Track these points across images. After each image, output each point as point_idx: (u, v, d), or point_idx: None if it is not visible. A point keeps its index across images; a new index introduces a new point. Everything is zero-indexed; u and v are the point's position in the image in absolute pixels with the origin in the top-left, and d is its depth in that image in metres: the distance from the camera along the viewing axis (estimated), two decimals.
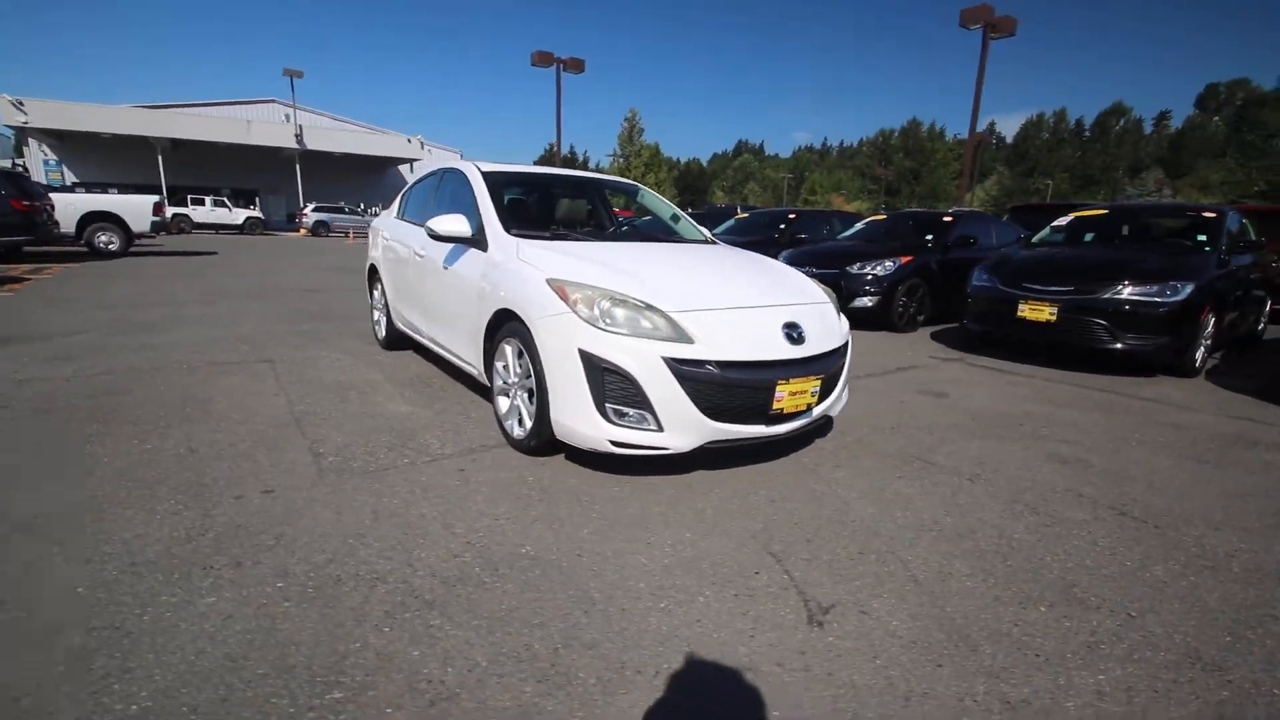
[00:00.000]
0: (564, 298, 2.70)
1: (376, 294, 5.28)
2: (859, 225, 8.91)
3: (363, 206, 33.56)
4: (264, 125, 33.66)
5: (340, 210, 31.55)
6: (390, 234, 4.80)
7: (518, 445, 3.04)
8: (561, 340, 2.65)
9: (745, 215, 11.60)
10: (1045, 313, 5.44)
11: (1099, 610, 1.97)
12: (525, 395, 2.99)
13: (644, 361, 2.52)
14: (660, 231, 4.22)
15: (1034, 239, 6.94)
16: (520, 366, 3.00)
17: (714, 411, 2.59)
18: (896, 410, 4.06)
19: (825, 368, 2.86)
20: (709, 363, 2.56)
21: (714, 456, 2.91)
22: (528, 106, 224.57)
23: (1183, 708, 1.57)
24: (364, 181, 39.95)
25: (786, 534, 2.37)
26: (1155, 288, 5.11)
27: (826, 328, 2.97)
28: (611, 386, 2.55)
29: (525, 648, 1.69)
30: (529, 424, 2.95)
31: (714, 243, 4.02)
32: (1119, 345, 5.17)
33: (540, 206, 4.31)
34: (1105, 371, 5.40)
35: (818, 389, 2.85)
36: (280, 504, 2.44)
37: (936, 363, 5.66)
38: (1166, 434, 3.78)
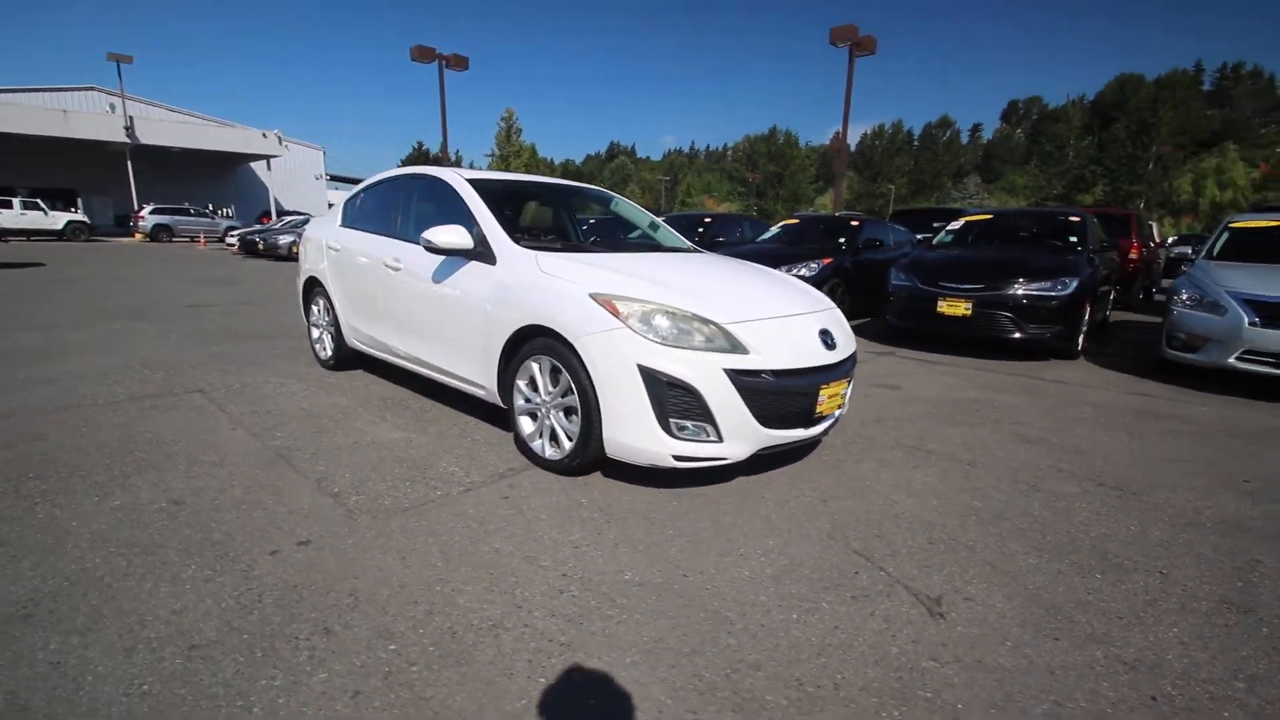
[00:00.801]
0: (614, 313, 2.63)
1: (317, 310, 4.79)
2: (774, 229, 9.41)
3: (211, 207, 29.95)
4: (84, 116, 28.94)
5: (185, 212, 27.96)
6: (340, 244, 4.37)
7: (552, 466, 2.92)
8: (616, 357, 2.58)
9: (660, 219, 11.80)
10: (961, 308, 6.09)
11: (1137, 572, 2.27)
12: (562, 414, 2.87)
13: (707, 374, 2.53)
14: (660, 241, 4.17)
15: (934, 241, 7.72)
16: (554, 385, 2.88)
17: (767, 419, 2.65)
18: (865, 404, 4.36)
19: (848, 370, 3.03)
20: (764, 372, 2.62)
21: (751, 463, 2.98)
22: (391, 103, 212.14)
23: (1244, 647, 1.86)
24: (211, 180, 35.70)
25: (856, 532, 2.49)
26: (1049, 284, 5.90)
27: (845, 332, 3.14)
28: (674, 401, 2.53)
29: (696, 678, 1.65)
30: (568, 443, 2.84)
31: (700, 251, 4.08)
32: (1023, 335, 5.91)
33: (538, 216, 4.14)
34: (1006, 358, 6.14)
35: (847, 390, 3.02)
36: (329, 555, 2.17)
37: (872, 357, 6.13)
38: (1087, 411, 4.39)
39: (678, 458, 2.58)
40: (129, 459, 2.94)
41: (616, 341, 2.59)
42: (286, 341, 5.85)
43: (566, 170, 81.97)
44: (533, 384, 3.00)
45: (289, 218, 22.23)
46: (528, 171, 47.78)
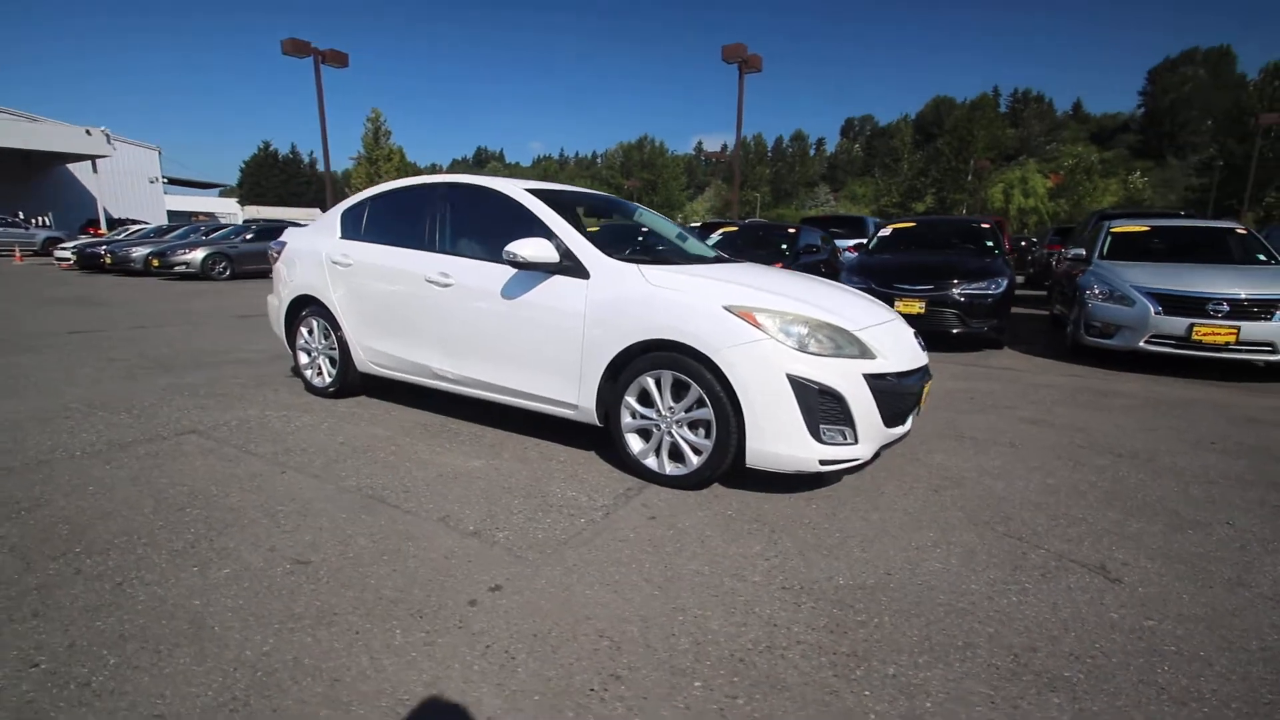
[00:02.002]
0: (755, 324, 2.66)
1: (309, 332, 4.28)
2: (717, 235, 9.73)
3: (21, 216, 25.14)
4: None
5: None
6: (350, 258, 3.95)
7: (676, 482, 2.87)
8: (764, 368, 2.61)
9: (599, 228, 11.73)
10: (916, 307, 6.71)
11: (1212, 525, 2.68)
12: (686, 429, 2.84)
13: (850, 380, 2.64)
14: (703, 253, 4.15)
15: (870, 246, 8.43)
16: (676, 400, 2.84)
17: (888, 419, 2.81)
18: None
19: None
20: (889, 375, 2.78)
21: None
22: (237, 101, 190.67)
23: None
24: (19, 185, 29.84)
25: (987, 516, 2.71)
26: (985, 283, 6.69)
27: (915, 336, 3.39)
28: (822, 408, 2.61)
29: (993, 669, 1.74)
30: (695, 458, 2.82)
31: (745, 261, 4.17)
32: (966, 329, 6.65)
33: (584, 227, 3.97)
34: (946, 350, 6.86)
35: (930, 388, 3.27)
36: (537, 598, 2.00)
37: None
38: (1052, 393, 5.05)
39: (823, 462, 2.66)
40: (188, 519, 2.48)
41: (763, 353, 2.62)
42: (242, 369, 5.15)
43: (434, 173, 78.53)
44: (644, 400, 2.94)
45: (134, 226, 19.29)
46: (398, 175, 45.18)
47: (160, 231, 18.07)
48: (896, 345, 2.92)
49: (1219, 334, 5.40)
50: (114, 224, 24.68)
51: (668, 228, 4.45)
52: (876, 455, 2.99)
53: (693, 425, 2.83)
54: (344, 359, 4.10)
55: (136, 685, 1.58)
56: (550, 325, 3.13)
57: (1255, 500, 2.95)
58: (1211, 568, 2.32)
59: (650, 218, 4.48)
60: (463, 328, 3.46)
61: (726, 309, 2.72)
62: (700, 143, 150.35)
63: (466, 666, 1.68)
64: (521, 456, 3.27)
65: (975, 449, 3.59)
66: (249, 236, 15.09)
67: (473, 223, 3.59)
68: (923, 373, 3.03)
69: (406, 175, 48.48)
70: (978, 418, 4.24)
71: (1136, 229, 7.20)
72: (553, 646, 1.77)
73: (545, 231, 3.22)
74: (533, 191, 3.47)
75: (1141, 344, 5.73)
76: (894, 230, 8.56)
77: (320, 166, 68.50)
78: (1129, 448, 3.68)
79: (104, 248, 15.68)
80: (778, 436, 2.63)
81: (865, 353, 2.74)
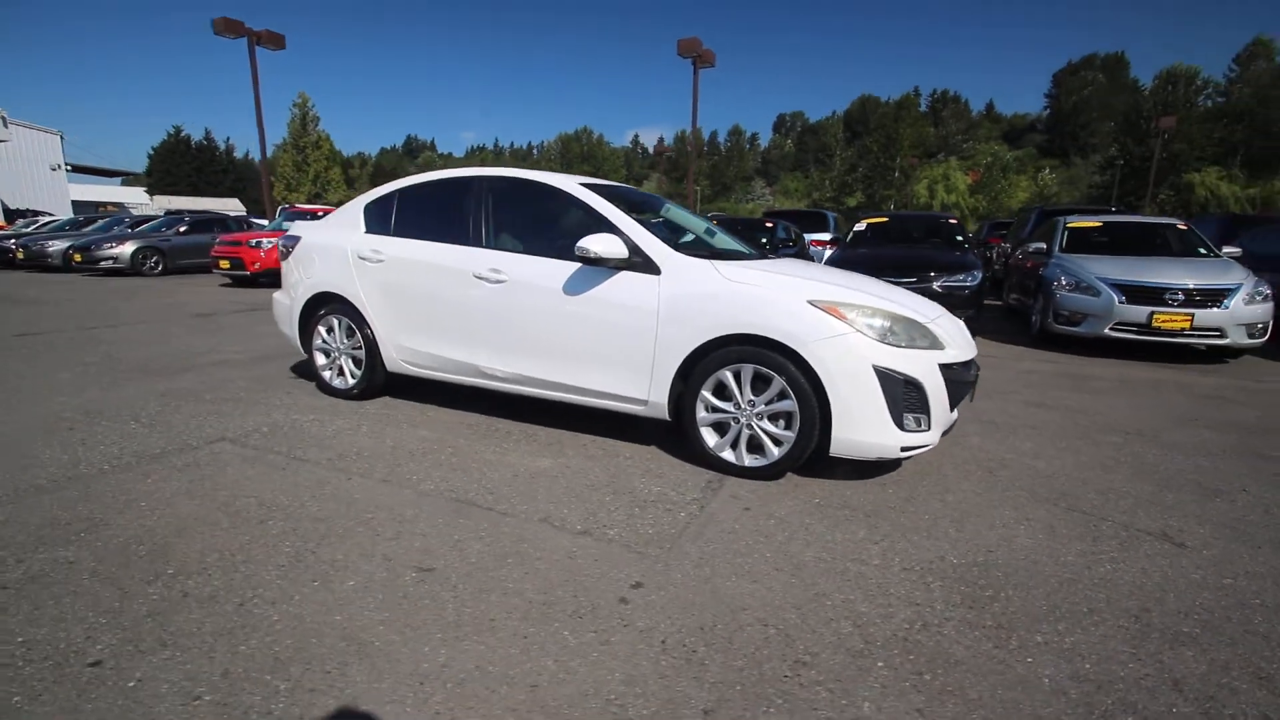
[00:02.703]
0: (840, 318, 2.75)
1: (328, 332, 4.08)
2: None
3: None
4: None
5: None
6: (384, 253, 3.79)
7: (755, 473, 2.94)
8: (850, 359, 2.71)
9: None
10: None
11: (1234, 494, 2.97)
12: (767, 421, 2.91)
13: (928, 370, 2.77)
14: (740, 247, 4.18)
15: (848, 238, 8.74)
16: (756, 393, 2.90)
17: (952, 405, 2.98)
18: None
19: None
20: (956, 364, 2.94)
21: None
22: (145, 84, 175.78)
23: None
24: None
25: (1047, 493, 2.92)
26: (963, 275, 7.08)
27: None
28: (905, 397, 2.74)
29: (1120, 630, 1.90)
30: (775, 450, 2.89)
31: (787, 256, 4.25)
32: None
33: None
34: None
35: None
36: (682, 591, 2.03)
37: None
38: (1039, 379, 5.42)
39: (904, 449, 2.79)
40: (274, 531, 2.35)
41: (850, 346, 2.71)
42: (235, 370, 4.84)
43: (382, 165, 75.10)
44: (718, 393, 2.99)
45: (44, 218, 17.55)
46: (331, 165, 43.13)
47: (77, 224, 16.52)
48: (958, 336, 3.08)
49: (1176, 321, 5.95)
50: (13, 215, 22.36)
51: (698, 223, 4.48)
52: None
53: (772, 417, 2.90)
54: (371, 359, 3.94)
55: (324, 708, 1.51)
56: (619, 322, 3.12)
57: (1257, 469, 3.30)
58: (1252, 531, 2.59)
59: (679, 213, 4.50)
60: (517, 325, 3.40)
61: (811, 303, 2.80)
62: (636, 135, 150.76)
63: (654, 662, 1.69)
64: (587, 454, 3.25)
65: (1003, 432, 3.83)
66: (182, 229, 14.04)
67: (525, 218, 3.53)
68: (975, 362, 3.21)
69: (335, 164, 46.00)
70: (987, 403, 4.51)
71: (1091, 224, 7.79)
72: (726, 638, 1.81)
73: (610, 227, 3.20)
74: (588, 186, 3.44)
75: (1106, 330, 6.23)
76: (869, 225, 8.91)
77: (239, 154, 64.19)
78: (1130, 427, 4.02)
79: (13, 241, 14.23)
80: (865, 425, 2.74)
81: (935, 344, 2.88)
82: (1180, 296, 5.98)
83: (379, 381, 4.01)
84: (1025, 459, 3.36)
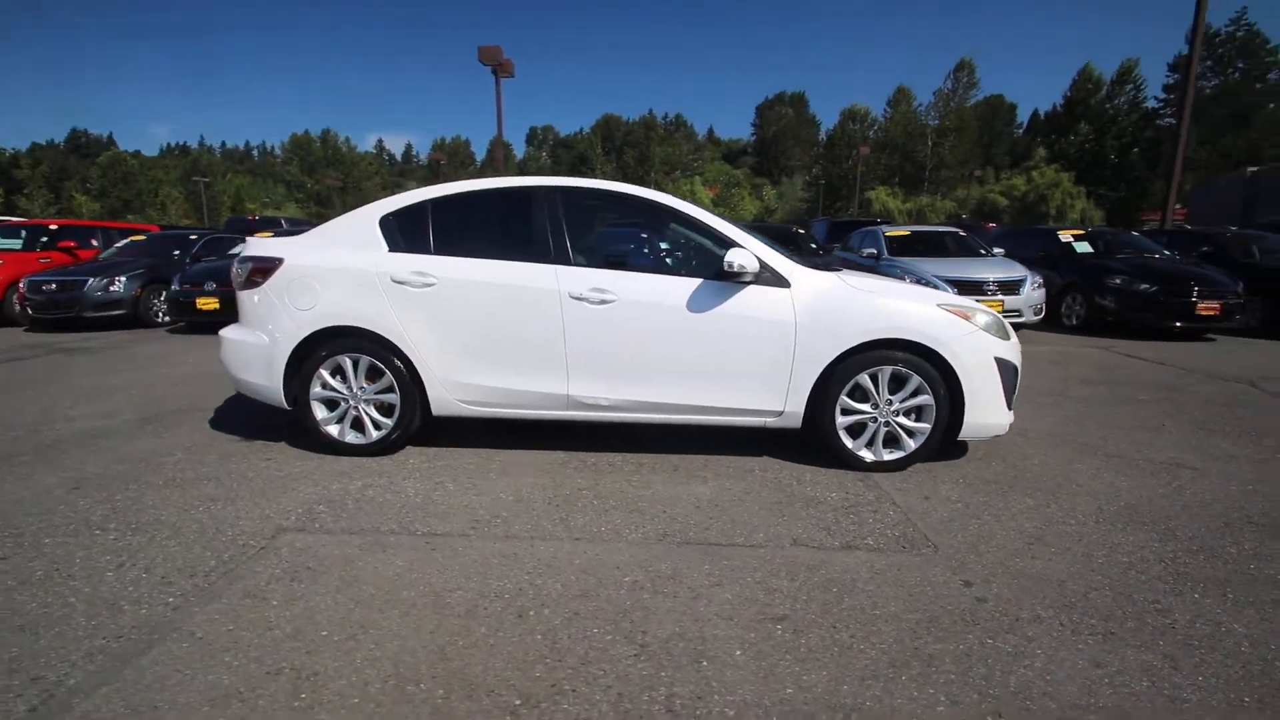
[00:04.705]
0: (966, 319, 3.11)
1: (333, 374, 3.25)
2: None
3: None
4: None
5: None
6: (437, 274, 3.14)
7: (889, 465, 3.16)
8: (979, 354, 3.08)
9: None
10: None
11: (1264, 436, 3.96)
12: (902, 417, 3.14)
13: (1018, 356, 3.29)
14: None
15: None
16: (892, 392, 3.13)
17: None
18: None
19: None
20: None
21: None
22: None
23: None
24: None
25: (1105, 461, 3.65)
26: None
27: None
28: (1011, 382, 3.20)
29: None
30: (911, 442, 3.16)
31: None
32: None
33: None
34: None
35: None
36: (1023, 579, 2.16)
37: None
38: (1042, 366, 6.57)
39: (1010, 426, 3.26)
40: (554, 622, 1.90)
41: (978, 342, 3.09)
42: (143, 439, 3.55)
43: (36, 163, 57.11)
44: (854, 396, 3.15)
45: None
46: None
47: None
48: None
49: (992, 306, 7.67)
50: None
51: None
52: None
53: (906, 412, 3.16)
54: (408, 403, 3.25)
55: None
56: (755, 336, 3.09)
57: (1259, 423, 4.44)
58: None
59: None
60: (631, 347, 3.13)
61: (940, 307, 3.12)
62: (380, 140, 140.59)
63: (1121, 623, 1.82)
64: (726, 475, 3.13)
65: (1047, 405, 4.58)
66: None
67: (619, 233, 3.25)
68: None
69: None
70: None
71: (902, 232, 9.59)
72: (1112, 579, 2.00)
73: (732, 243, 3.14)
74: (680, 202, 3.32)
75: None
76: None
77: None
78: (1144, 387, 5.11)
79: None
80: (989, 409, 3.14)
81: (1009, 336, 3.42)
82: (994, 286, 7.74)
83: (413, 430, 3.33)
84: (1088, 426, 4.13)
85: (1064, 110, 56.60)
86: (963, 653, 1.78)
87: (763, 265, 3.12)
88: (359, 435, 3.32)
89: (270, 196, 57.58)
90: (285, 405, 3.35)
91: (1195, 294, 7.62)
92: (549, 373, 3.19)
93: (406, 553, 2.31)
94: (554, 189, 3.32)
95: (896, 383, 3.13)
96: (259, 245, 3.41)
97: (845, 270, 3.53)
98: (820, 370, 3.10)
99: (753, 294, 3.11)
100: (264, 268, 3.28)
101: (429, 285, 3.17)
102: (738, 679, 1.65)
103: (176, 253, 9.27)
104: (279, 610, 1.94)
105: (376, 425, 3.31)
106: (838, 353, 3.08)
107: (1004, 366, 3.14)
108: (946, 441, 3.20)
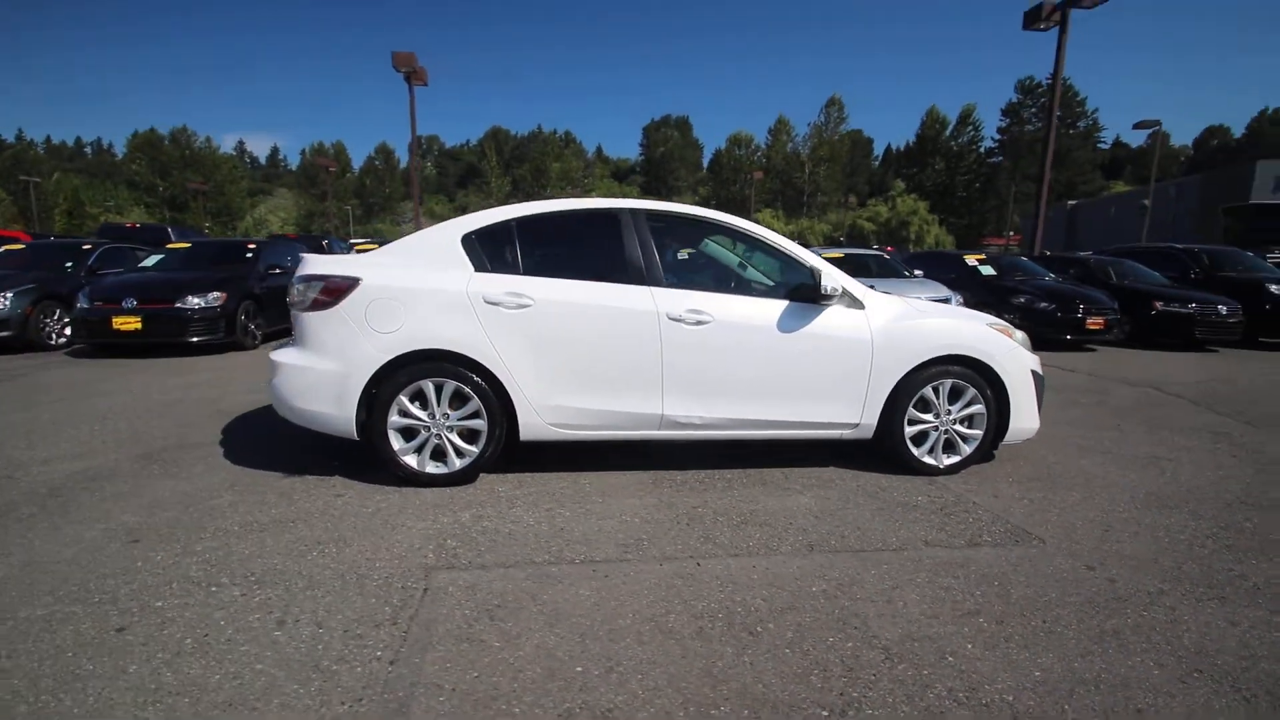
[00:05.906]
0: (1009, 336, 3.53)
1: (411, 399, 3.07)
2: None
3: None
4: None
5: None
6: (534, 296, 3.07)
7: (949, 469, 3.50)
8: (1021, 367, 3.50)
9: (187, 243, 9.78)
10: None
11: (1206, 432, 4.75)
12: (959, 425, 3.50)
13: (1040, 368, 3.77)
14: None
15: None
16: (951, 402, 3.47)
17: None
18: None
19: None
20: None
21: None
22: None
23: None
24: None
25: (1146, 445, 4.21)
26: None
27: None
28: (1040, 390, 3.66)
29: None
30: (966, 448, 3.51)
31: None
32: None
33: None
34: None
35: None
36: (1167, 555, 2.51)
37: None
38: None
39: (1037, 429, 3.73)
40: (720, 657, 1.97)
41: (1020, 356, 3.52)
42: (173, 478, 3.12)
43: None
44: (919, 406, 3.46)
45: None
46: None
47: None
48: None
49: None
50: None
51: (730, 257, 4.74)
52: None
53: (962, 420, 3.52)
54: (494, 428, 3.13)
55: None
56: (838, 353, 3.32)
57: (1185, 419, 5.27)
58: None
59: (713, 248, 4.68)
60: (725, 367, 3.24)
61: (989, 325, 3.52)
62: (242, 141, 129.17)
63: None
64: (817, 485, 3.31)
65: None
66: None
67: (699, 256, 3.35)
68: None
69: None
70: None
71: (836, 255, 10.38)
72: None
73: (810, 268, 3.35)
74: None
75: None
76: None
77: None
78: (1076, 391, 5.82)
79: None
80: (1027, 416, 3.57)
81: (1033, 351, 3.90)
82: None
83: (494, 457, 3.21)
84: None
85: (917, 146, 63.46)
86: (1133, 626, 2.06)
87: (843, 289, 3.37)
88: (440, 465, 3.15)
89: (113, 199, 50.62)
90: (355, 436, 3.10)
91: (1083, 311, 8.94)
92: (644, 393, 3.22)
93: (585, 582, 2.27)
94: (640, 211, 3.37)
95: (954, 394, 3.48)
96: (324, 263, 3.15)
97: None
98: (893, 384, 3.38)
99: (834, 315, 3.34)
100: (338, 287, 3.04)
101: (524, 306, 3.10)
102: (990, 669, 1.82)
103: (69, 265, 8.02)
104: (509, 652, 1.86)
105: (459, 453, 3.16)
106: (909, 368, 3.37)
107: (1036, 376, 3.60)
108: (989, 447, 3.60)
